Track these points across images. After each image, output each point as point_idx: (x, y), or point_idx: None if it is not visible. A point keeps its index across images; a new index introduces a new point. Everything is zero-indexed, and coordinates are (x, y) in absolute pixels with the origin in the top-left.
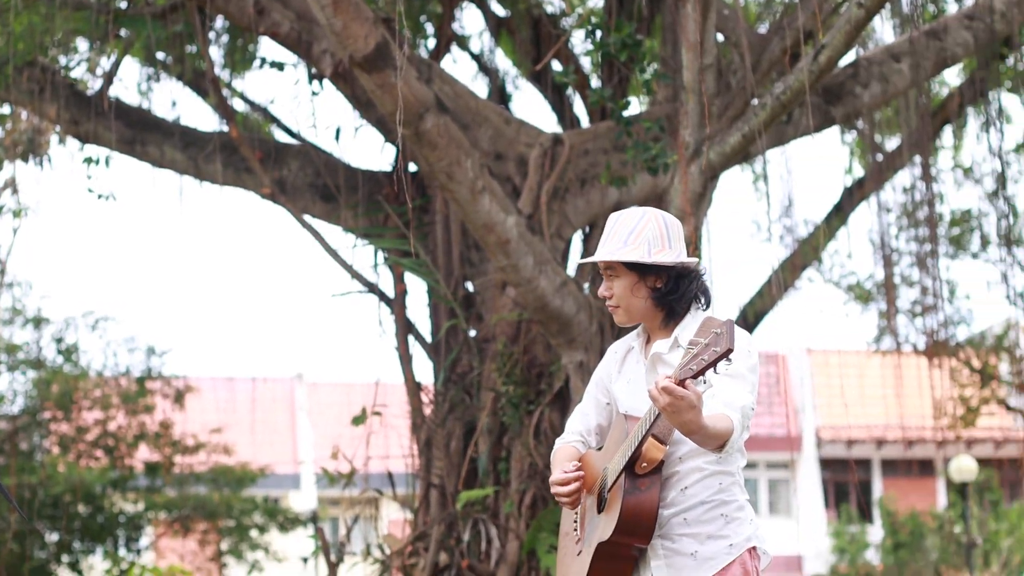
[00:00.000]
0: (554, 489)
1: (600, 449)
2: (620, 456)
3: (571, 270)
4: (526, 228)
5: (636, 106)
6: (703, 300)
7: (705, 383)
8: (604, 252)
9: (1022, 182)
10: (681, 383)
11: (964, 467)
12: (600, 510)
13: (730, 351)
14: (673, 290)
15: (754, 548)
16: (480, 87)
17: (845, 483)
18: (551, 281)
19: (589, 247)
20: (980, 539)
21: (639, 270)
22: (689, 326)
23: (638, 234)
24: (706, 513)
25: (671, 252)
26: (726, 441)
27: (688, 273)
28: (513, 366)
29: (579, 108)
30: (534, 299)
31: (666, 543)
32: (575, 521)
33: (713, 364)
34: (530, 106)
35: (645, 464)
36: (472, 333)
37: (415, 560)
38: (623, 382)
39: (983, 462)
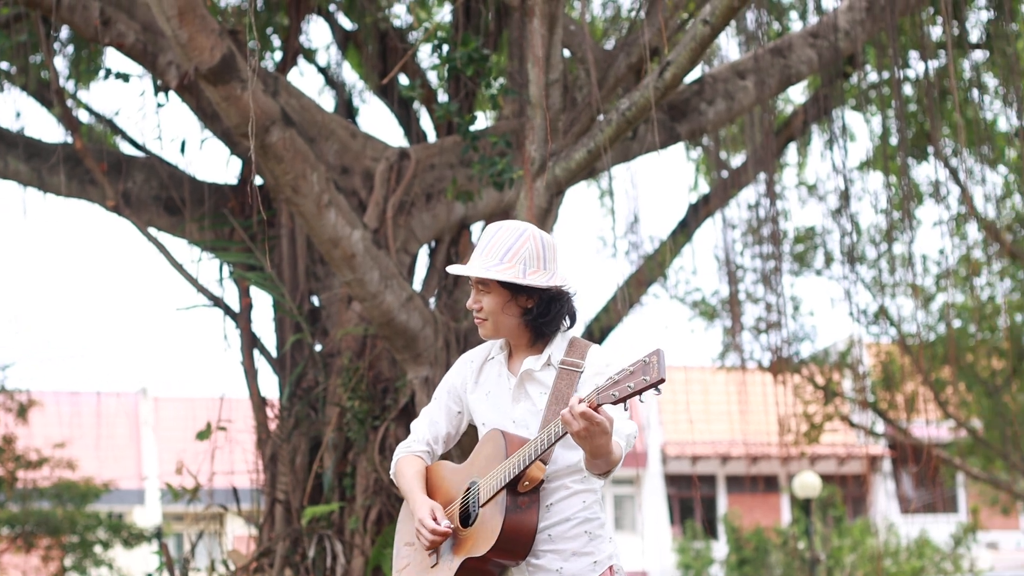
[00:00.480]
0: (419, 528)
1: (450, 458)
2: (501, 472)
3: (417, 285)
4: (372, 243)
5: (482, 121)
6: (569, 321)
7: (626, 409)
8: (478, 267)
9: (865, 200)
10: (596, 408)
11: (808, 483)
12: (466, 524)
13: (662, 381)
14: (544, 313)
15: (613, 566)
16: (327, 100)
17: (690, 499)
18: (397, 296)
19: (436, 262)
20: (823, 555)
21: (512, 289)
22: (559, 345)
23: (515, 253)
24: (571, 530)
25: (545, 274)
26: (614, 468)
27: (560, 296)
28: (358, 381)
29: (426, 123)
30: (380, 314)
31: (531, 559)
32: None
33: (640, 392)
34: (377, 120)
35: (527, 483)
36: (318, 348)
37: None
38: (481, 394)
39: (826, 478)
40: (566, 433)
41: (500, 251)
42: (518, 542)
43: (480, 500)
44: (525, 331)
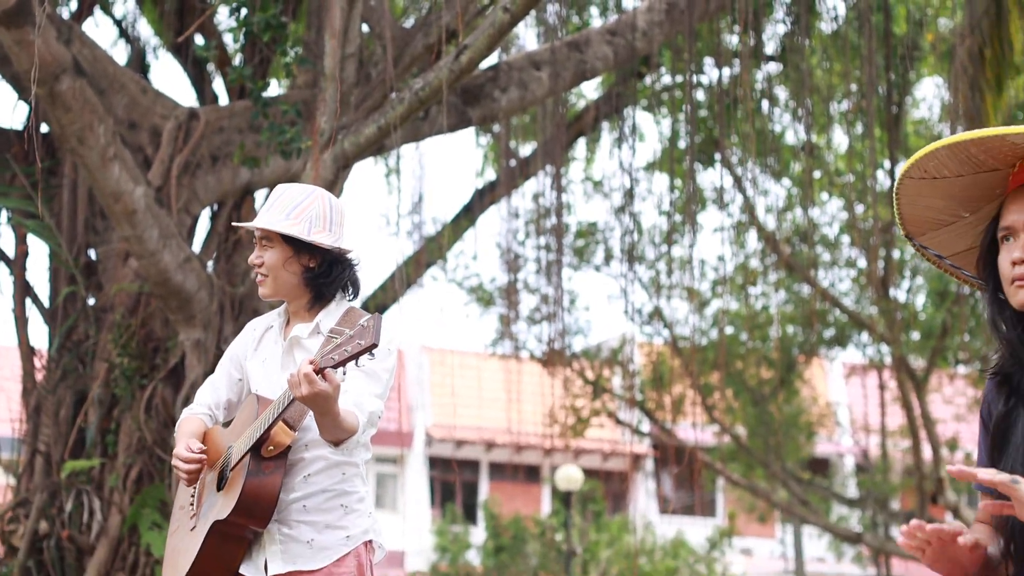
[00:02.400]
0: (175, 462)
1: (227, 425)
2: (247, 436)
3: (196, 247)
4: (154, 200)
5: (275, 88)
6: (351, 290)
7: (344, 374)
8: (264, 220)
9: (649, 200)
10: (321, 371)
11: (570, 476)
12: (220, 488)
13: (374, 346)
14: (325, 273)
15: (370, 541)
16: (120, 54)
17: (452, 483)
18: (175, 256)
19: (217, 225)
20: (580, 548)
21: (295, 246)
22: (333, 313)
23: (302, 210)
24: (326, 502)
25: (331, 235)
26: (347, 439)
27: (343, 260)
28: (129, 338)
29: (218, 85)
30: (156, 273)
31: (284, 529)
32: (192, 496)
33: (355, 357)
34: (169, 78)
35: (272, 448)
36: (91, 301)
37: (15, 527)
38: (258, 361)
39: (589, 473)
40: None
41: (287, 207)
42: (258, 506)
43: (231, 464)
44: (305, 291)
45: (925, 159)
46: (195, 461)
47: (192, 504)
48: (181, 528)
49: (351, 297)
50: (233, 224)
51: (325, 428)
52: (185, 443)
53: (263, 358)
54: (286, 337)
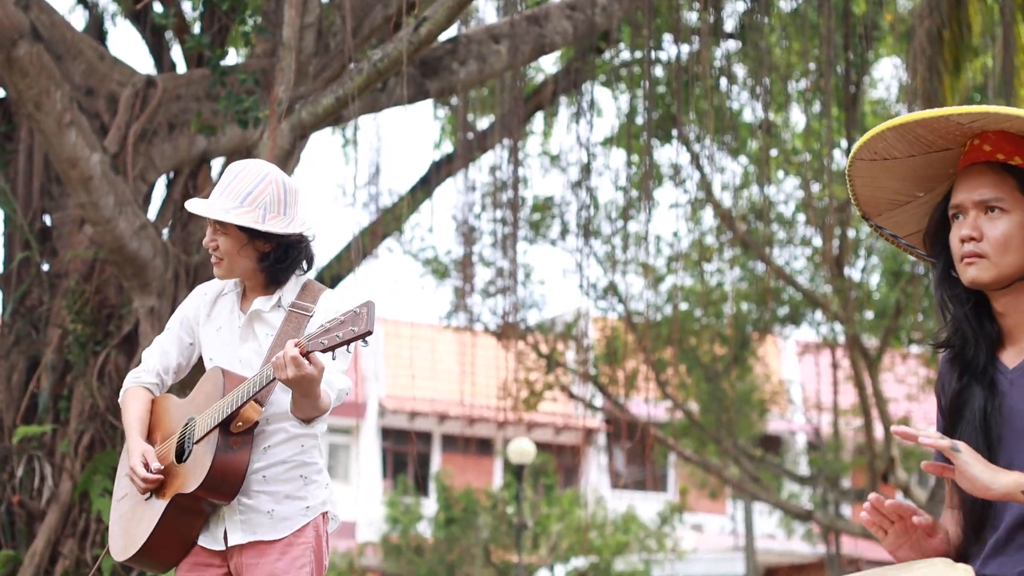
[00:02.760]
0: (132, 476)
1: (182, 394)
2: (215, 411)
3: (152, 214)
4: (110, 167)
5: (233, 57)
6: (306, 265)
7: (334, 359)
8: (218, 209)
9: (606, 176)
10: (307, 355)
11: (522, 449)
12: (181, 460)
13: (369, 333)
14: (281, 259)
15: (327, 512)
16: (78, 19)
17: (404, 454)
18: (130, 223)
19: (173, 193)
20: (531, 521)
21: (250, 233)
22: (291, 289)
23: (256, 197)
24: (285, 473)
25: (285, 220)
26: (319, 416)
27: (299, 242)
28: (83, 305)
29: (177, 53)
30: (111, 239)
31: (244, 500)
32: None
33: (347, 343)
34: (127, 45)
35: (240, 423)
36: (45, 267)
37: None
38: (212, 328)
39: (542, 446)
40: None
41: (241, 193)
42: (226, 481)
43: (195, 437)
44: (260, 274)
45: (873, 140)
46: (153, 482)
47: None
48: (131, 496)
49: (304, 271)
50: (187, 206)
51: (302, 408)
52: (142, 456)
53: (217, 326)
54: (244, 309)
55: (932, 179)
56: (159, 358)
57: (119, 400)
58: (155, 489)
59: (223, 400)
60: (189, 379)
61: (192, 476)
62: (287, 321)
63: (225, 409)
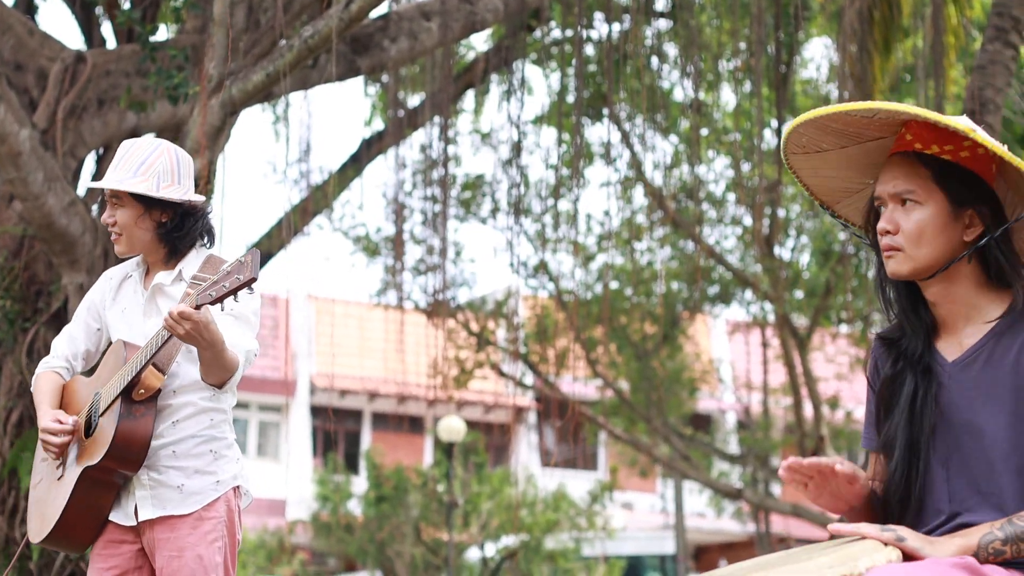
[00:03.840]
0: (44, 436)
1: (90, 374)
2: (117, 380)
3: (81, 191)
4: (39, 143)
5: (164, 33)
6: (207, 238)
7: (222, 310)
8: (112, 180)
9: (537, 154)
10: (197, 308)
11: (452, 427)
12: (88, 434)
13: (254, 280)
14: (178, 227)
15: (239, 487)
16: None
17: (335, 432)
18: (59, 199)
19: (102, 169)
20: (462, 499)
21: (146, 203)
22: (192, 261)
23: (149, 166)
24: (195, 447)
25: (180, 188)
26: (230, 378)
27: (195, 212)
28: (12, 281)
29: (107, 29)
30: (40, 216)
31: (153, 474)
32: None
33: (234, 291)
34: (57, 20)
35: (143, 391)
36: None
37: None
38: (118, 310)
39: (472, 424)
40: (171, 336)
41: (134, 165)
42: (131, 450)
43: (100, 409)
44: (160, 246)
45: (794, 136)
46: (67, 434)
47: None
48: (45, 479)
49: (208, 245)
50: (87, 186)
51: (210, 365)
52: (52, 415)
53: (123, 307)
54: (147, 286)
55: (877, 167)
56: (67, 344)
57: (32, 388)
58: (66, 466)
59: (123, 369)
60: None
61: (98, 447)
62: (188, 293)
63: (126, 377)
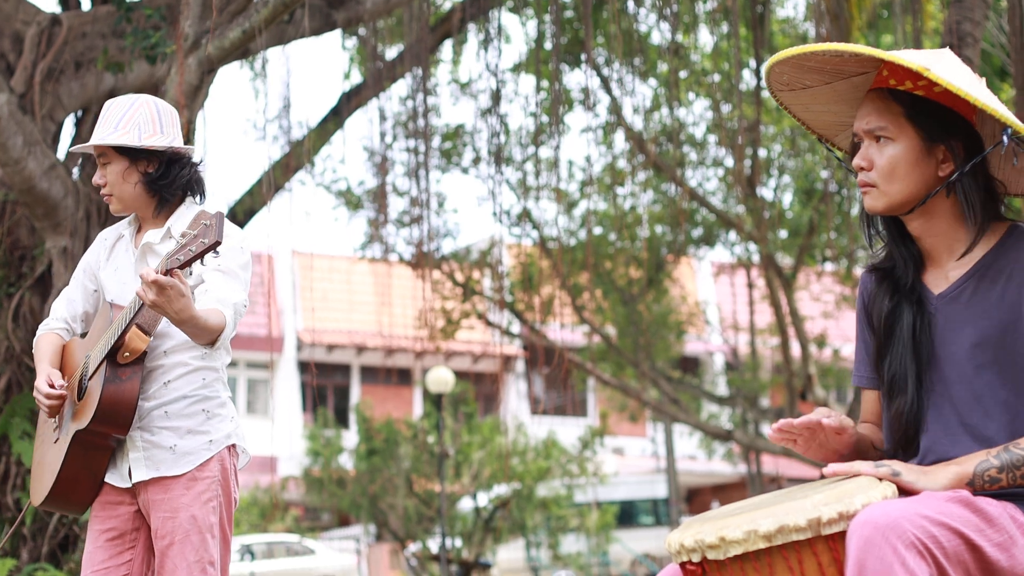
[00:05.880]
0: (37, 396)
1: (84, 336)
2: (103, 344)
3: (62, 154)
4: (17, 107)
5: None
6: (198, 192)
7: (191, 274)
8: (95, 138)
9: (516, 102)
10: (168, 273)
11: (441, 378)
12: (80, 398)
13: (218, 243)
14: (164, 175)
15: (234, 445)
16: None
17: (324, 387)
18: (40, 163)
19: (81, 132)
20: (452, 450)
21: (130, 155)
22: (183, 217)
23: (129, 119)
24: (188, 407)
25: (163, 137)
26: (219, 336)
27: (180, 159)
28: None
29: None
30: (21, 180)
31: (146, 435)
32: None
33: (200, 256)
34: None
35: (128, 354)
36: None
37: None
38: (111, 270)
39: (460, 375)
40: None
41: (115, 120)
42: (118, 413)
43: (89, 372)
44: (150, 200)
45: (774, 75)
46: (57, 397)
47: (55, 417)
48: (46, 441)
49: (200, 200)
50: (69, 149)
51: (193, 333)
52: (46, 376)
53: (115, 267)
54: (138, 244)
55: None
56: (65, 306)
57: (33, 348)
58: (62, 429)
59: (108, 332)
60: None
61: (87, 411)
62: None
63: (110, 340)
